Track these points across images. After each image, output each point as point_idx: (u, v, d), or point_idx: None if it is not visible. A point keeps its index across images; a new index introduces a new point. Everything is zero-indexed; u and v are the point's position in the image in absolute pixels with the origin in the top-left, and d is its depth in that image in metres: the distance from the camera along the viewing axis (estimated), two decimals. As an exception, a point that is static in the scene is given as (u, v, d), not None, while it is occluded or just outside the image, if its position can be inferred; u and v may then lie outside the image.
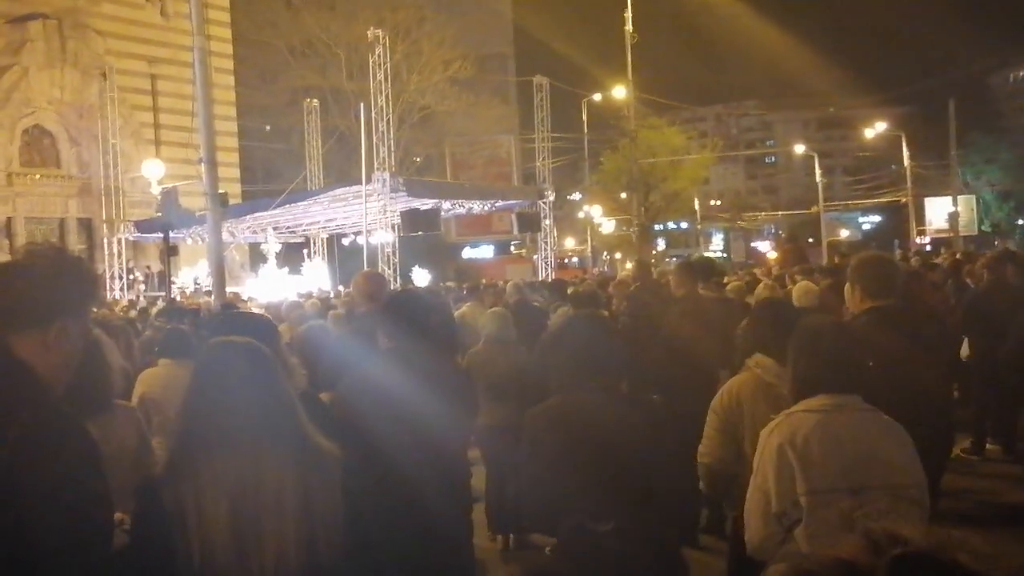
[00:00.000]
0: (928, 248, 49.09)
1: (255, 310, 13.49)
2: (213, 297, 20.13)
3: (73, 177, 43.08)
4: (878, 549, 1.22)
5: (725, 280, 16.01)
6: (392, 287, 16.65)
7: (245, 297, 25.25)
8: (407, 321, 5.06)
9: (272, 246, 37.19)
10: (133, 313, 19.02)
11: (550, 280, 25.79)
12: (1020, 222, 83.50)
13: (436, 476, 4.72)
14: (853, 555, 1.22)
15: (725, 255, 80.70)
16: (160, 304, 22.00)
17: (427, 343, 5.04)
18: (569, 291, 12.47)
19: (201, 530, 3.04)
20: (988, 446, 10.99)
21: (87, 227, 43.30)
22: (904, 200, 59.34)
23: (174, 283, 31.06)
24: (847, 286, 6.15)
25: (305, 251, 40.32)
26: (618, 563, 4.07)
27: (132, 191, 38.41)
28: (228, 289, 23.32)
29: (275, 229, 37.62)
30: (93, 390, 4.36)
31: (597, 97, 48.96)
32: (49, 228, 42.28)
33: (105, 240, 38.25)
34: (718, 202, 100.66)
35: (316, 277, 35.06)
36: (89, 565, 2.59)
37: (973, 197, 66.07)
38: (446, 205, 36.90)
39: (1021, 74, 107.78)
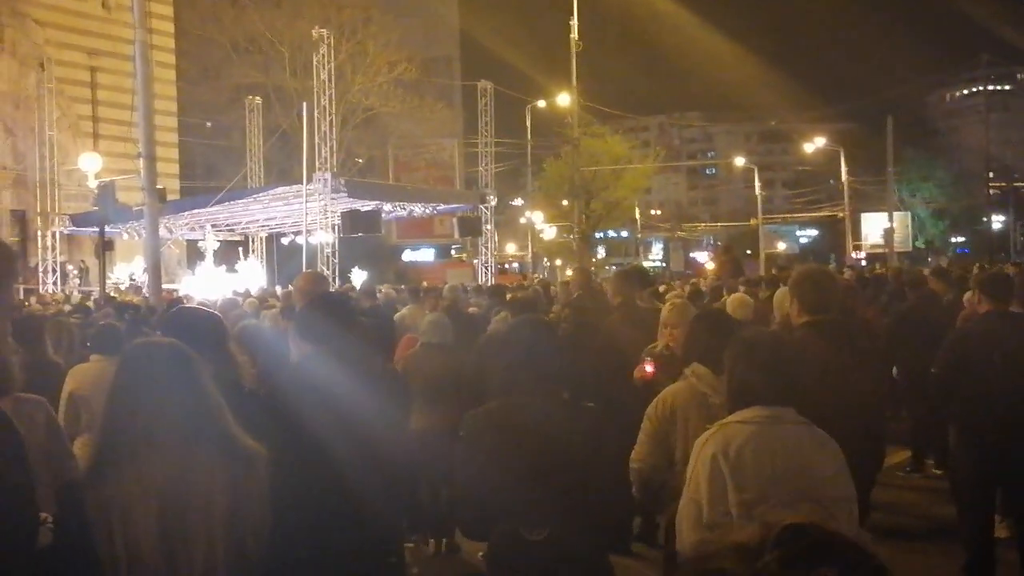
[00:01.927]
0: (864, 263, 49.76)
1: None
2: (148, 293, 19.91)
3: (7, 168, 42.29)
4: (770, 530, 1.26)
5: (663, 289, 16.11)
6: (332, 288, 16.53)
7: (181, 294, 24.96)
8: (335, 320, 5.02)
9: (210, 243, 36.81)
10: (67, 307, 18.72)
11: (489, 285, 25.81)
12: (953, 240, 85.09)
13: (369, 472, 4.69)
14: (748, 538, 1.26)
15: (664, 264, 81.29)
16: (92, 300, 21.69)
17: (355, 341, 5.00)
18: (508, 296, 12.45)
19: (127, 532, 2.99)
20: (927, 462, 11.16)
21: (21, 219, 42.50)
22: (841, 215, 60.10)
23: (109, 278, 30.62)
24: (778, 296, 6.21)
25: (241, 249, 39.94)
26: (547, 572, 4.06)
27: (68, 184, 37.81)
28: (164, 286, 23.05)
29: (214, 226, 37.24)
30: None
31: (541, 103, 49.01)
32: (-19, 219, 41.57)
33: (39, 233, 37.64)
34: (658, 212, 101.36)
35: (251, 276, 34.74)
36: (13, 559, 2.53)
37: (908, 214, 67.15)
38: (387, 207, 36.78)
39: (957, 94, 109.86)
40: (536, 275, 47.71)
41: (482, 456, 4.21)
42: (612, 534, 5.66)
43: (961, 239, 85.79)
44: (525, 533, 4.06)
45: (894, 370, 10.56)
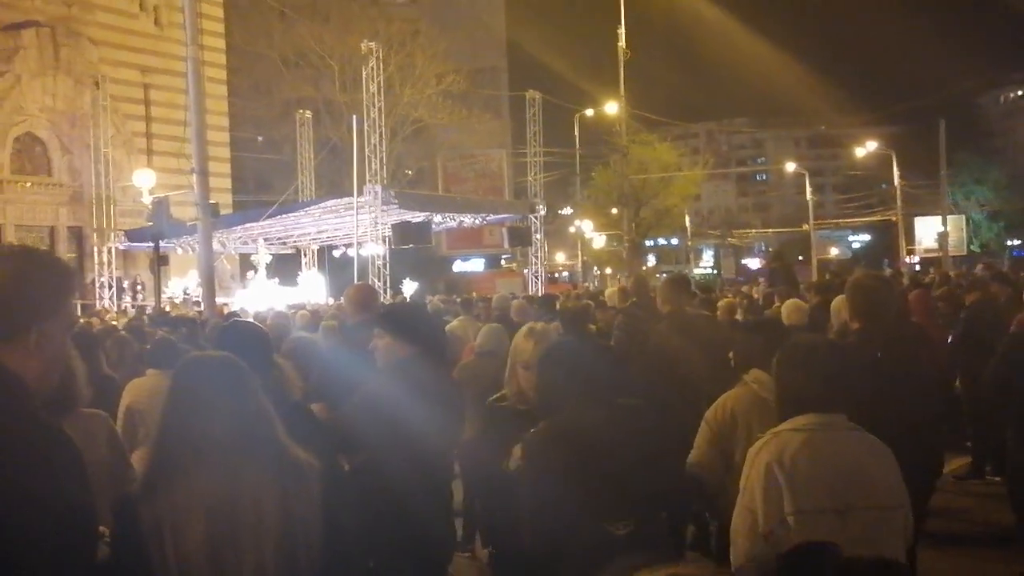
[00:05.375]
0: (917, 268, 49.18)
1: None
2: (203, 307, 20.11)
3: (64, 185, 42.99)
4: None
5: (714, 296, 16.03)
6: (383, 299, 16.63)
7: (234, 308, 25.18)
8: (406, 331, 5.07)
9: (263, 257, 37.14)
10: (121, 322, 18.93)
11: (540, 295, 25.81)
12: (1009, 243, 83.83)
13: (427, 488, 4.73)
14: None
15: (715, 272, 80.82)
16: (148, 314, 21.92)
17: (424, 353, 5.05)
18: (558, 307, 12.46)
19: (178, 545, 3.02)
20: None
21: (77, 235, 43.17)
22: (894, 219, 59.48)
23: (164, 293, 30.98)
24: (835, 303, 6.16)
25: (303, 261, 40.37)
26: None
27: (123, 200, 38.37)
28: (217, 300, 23.24)
29: (266, 240, 37.58)
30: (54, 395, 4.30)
31: (589, 112, 49.01)
32: (39, 236, 42.09)
33: (95, 249, 38.19)
34: (708, 217, 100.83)
35: (311, 288, 35.02)
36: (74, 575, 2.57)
37: (963, 217, 66.28)
38: (437, 218, 36.92)
39: (1011, 95, 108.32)
40: (586, 284, 47.65)
41: (552, 468, 4.15)
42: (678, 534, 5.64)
43: (1017, 242, 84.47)
44: (610, 528, 4.04)
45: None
